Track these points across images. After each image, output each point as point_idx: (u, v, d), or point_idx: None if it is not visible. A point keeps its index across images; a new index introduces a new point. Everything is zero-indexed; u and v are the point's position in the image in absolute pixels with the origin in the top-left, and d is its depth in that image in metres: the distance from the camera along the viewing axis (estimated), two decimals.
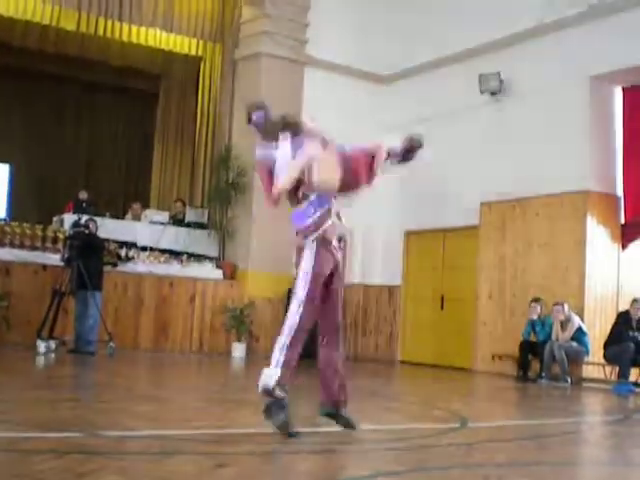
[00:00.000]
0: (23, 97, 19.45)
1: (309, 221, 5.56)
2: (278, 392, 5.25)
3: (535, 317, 12.85)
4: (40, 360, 10.98)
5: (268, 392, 5.26)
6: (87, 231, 12.29)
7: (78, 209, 13.82)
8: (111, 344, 12.07)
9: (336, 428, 5.85)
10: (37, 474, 3.77)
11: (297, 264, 5.58)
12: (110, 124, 20.93)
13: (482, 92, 14.34)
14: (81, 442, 4.82)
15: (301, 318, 5.43)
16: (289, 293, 14.76)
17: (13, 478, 3.69)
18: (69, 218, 13.55)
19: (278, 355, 5.37)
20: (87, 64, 18.25)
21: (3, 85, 19.01)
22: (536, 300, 12.87)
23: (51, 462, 4.04)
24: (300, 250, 5.59)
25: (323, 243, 5.57)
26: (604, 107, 13.27)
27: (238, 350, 14.38)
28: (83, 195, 15.15)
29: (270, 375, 5.29)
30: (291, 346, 5.38)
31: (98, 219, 13.22)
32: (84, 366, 10.80)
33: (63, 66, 18.64)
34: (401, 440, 5.67)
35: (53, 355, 11.54)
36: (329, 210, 5.63)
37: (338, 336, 5.80)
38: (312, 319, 5.55)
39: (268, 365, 5.35)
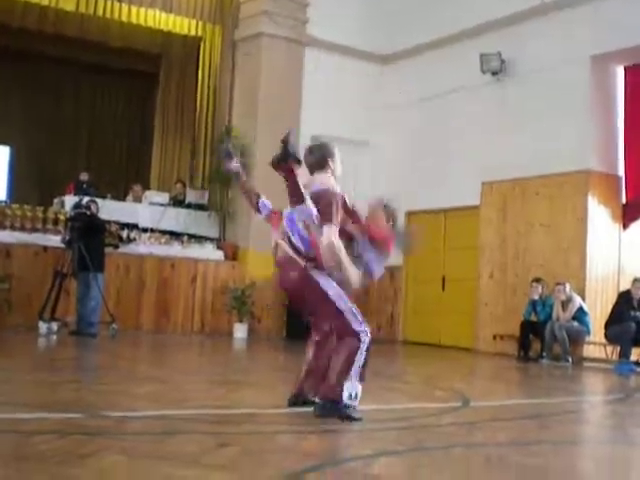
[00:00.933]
0: (22, 79, 19.39)
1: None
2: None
3: (536, 297, 12.86)
4: (42, 342, 11.01)
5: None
6: (88, 212, 12.27)
7: (79, 190, 13.80)
8: (113, 325, 12.08)
9: None
10: (39, 455, 3.78)
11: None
12: (110, 105, 20.88)
13: (483, 72, 14.29)
14: (83, 423, 4.83)
15: None
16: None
17: (16, 459, 3.71)
18: (70, 200, 13.54)
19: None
20: (87, 45, 18.17)
21: (2, 67, 18.93)
22: (537, 280, 12.88)
23: (53, 443, 4.05)
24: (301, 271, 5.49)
25: None
26: (606, 86, 13.23)
27: (240, 331, 14.40)
28: (84, 176, 15.13)
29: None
30: None
31: (99, 200, 13.20)
32: (86, 348, 10.82)
33: (62, 47, 18.57)
34: (403, 420, 5.69)
35: (55, 337, 11.55)
36: None
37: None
38: None
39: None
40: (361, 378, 5.39)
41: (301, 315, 5.82)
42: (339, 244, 5.31)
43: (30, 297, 12.68)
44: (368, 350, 5.42)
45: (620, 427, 6.46)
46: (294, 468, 3.82)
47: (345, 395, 5.28)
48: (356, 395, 5.31)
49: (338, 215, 5.38)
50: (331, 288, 5.44)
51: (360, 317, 5.48)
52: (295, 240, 5.48)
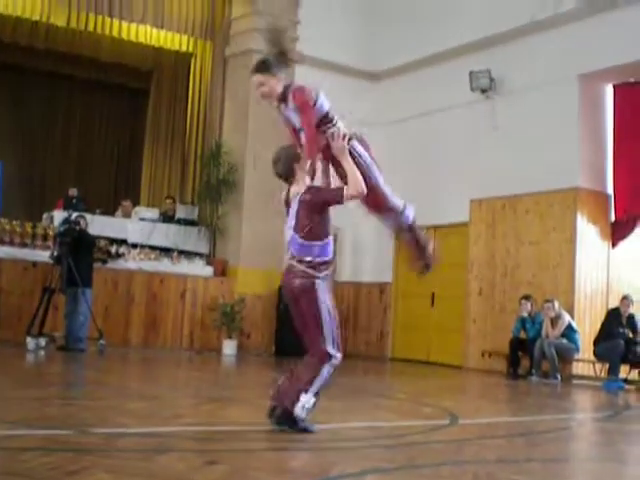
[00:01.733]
0: (13, 93, 19.39)
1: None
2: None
3: (525, 314, 12.88)
4: (30, 357, 10.97)
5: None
6: (77, 228, 12.26)
7: (68, 206, 13.77)
8: (101, 341, 12.05)
9: (326, 426, 5.86)
10: (26, 471, 3.76)
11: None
12: (101, 120, 20.89)
13: (473, 89, 14.36)
14: (71, 440, 4.81)
15: None
16: (279, 290, 14.80)
17: (2, 475, 3.68)
18: (59, 215, 13.52)
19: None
20: (77, 60, 18.24)
21: None
22: (526, 297, 12.90)
23: (40, 459, 4.03)
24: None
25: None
26: (595, 104, 13.30)
27: (229, 347, 14.37)
28: (73, 192, 15.11)
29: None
30: None
31: (88, 216, 13.20)
32: (74, 363, 10.78)
33: (53, 62, 18.63)
34: (391, 437, 5.68)
35: (43, 352, 11.51)
36: None
37: None
38: None
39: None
40: (317, 395, 5.42)
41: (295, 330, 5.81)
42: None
43: (18, 312, 12.67)
44: (332, 373, 5.46)
45: (609, 444, 6.47)
46: None
47: (298, 406, 5.28)
48: (308, 408, 5.32)
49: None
50: (325, 306, 5.46)
51: (337, 343, 5.49)
52: (297, 252, 5.50)
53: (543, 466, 4.93)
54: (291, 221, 5.58)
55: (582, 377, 12.71)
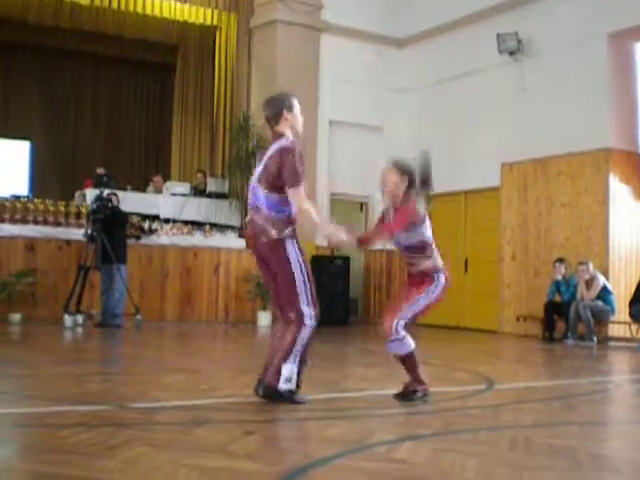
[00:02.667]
0: (41, 74, 19.49)
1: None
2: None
3: (559, 277, 12.80)
4: (67, 334, 11.10)
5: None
6: (110, 205, 12.35)
7: (99, 184, 13.86)
8: (138, 317, 12.17)
9: (362, 394, 5.89)
10: (68, 447, 3.83)
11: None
12: (128, 97, 20.95)
13: (500, 52, 14.20)
14: (110, 415, 4.88)
15: None
16: (313, 260, 14.84)
17: (44, 452, 3.75)
18: (91, 193, 13.61)
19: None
20: (103, 38, 18.28)
21: (21, 62, 19.08)
22: (560, 260, 12.82)
23: (81, 435, 4.10)
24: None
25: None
26: (624, 64, 13.11)
27: (263, 318, 14.43)
28: (100, 170, 15.17)
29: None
30: None
31: (120, 193, 13.27)
32: (112, 339, 10.90)
33: (79, 41, 18.70)
34: (427, 403, 5.69)
35: (80, 329, 11.65)
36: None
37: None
38: None
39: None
40: (303, 361, 5.44)
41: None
42: (308, 205, 5.43)
43: (55, 290, 12.81)
44: (311, 334, 5.46)
45: None
46: (319, 455, 3.85)
47: (282, 379, 5.30)
48: (291, 379, 5.33)
49: (303, 172, 5.39)
50: (297, 264, 5.45)
51: (312, 299, 5.48)
52: (262, 206, 5.47)
53: (580, 429, 4.93)
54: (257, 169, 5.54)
55: (618, 339, 12.64)
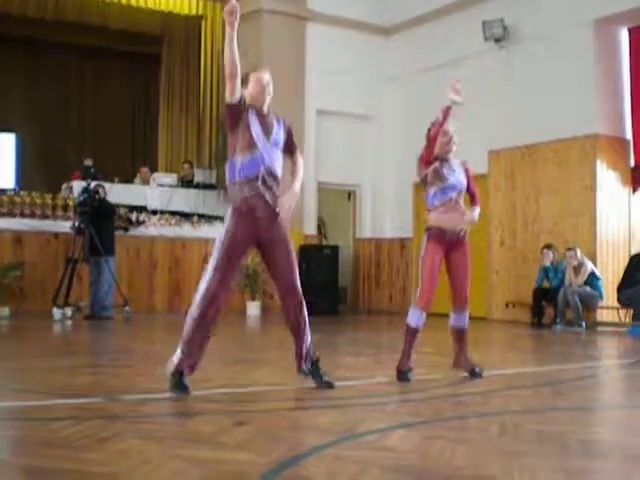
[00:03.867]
0: (25, 66, 19.40)
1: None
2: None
3: (548, 263, 12.84)
4: (57, 327, 11.08)
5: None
6: (97, 197, 12.32)
7: (86, 176, 13.81)
8: (126, 308, 12.16)
9: (352, 382, 5.91)
10: (58, 441, 3.83)
11: None
12: (114, 89, 20.86)
13: (486, 39, 14.21)
14: (101, 407, 4.88)
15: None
16: (301, 249, 14.85)
17: (35, 445, 3.75)
18: (78, 185, 13.57)
19: None
20: (87, 29, 18.21)
21: (5, 55, 18.98)
22: (548, 246, 12.86)
23: (72, 428, 4.10)
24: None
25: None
26: (610, 49, 13.13)
27: (253, 308, 14.45)
28: (88, 162, 15.12)
29: None
30: None
31: (107, 185, 13.24)
32: (101, 331, 10.89)
33: (63, 33, 18.60)
34: (417, 391, 5.72)
35: (69, 322, 11.64)
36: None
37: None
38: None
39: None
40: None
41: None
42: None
43: (43, 283, 12.79)
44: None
45: (636, 391, 6.48)
46: (310, 444, 3.86)
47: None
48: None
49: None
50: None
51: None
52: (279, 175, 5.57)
53: (569, 415, 4.96)
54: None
55: (607, 324, 12.70)
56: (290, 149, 5.66)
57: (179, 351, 5.37)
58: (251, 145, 5.34)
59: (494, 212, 14.36)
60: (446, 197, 6.39)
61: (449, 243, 6.44)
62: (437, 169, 6.42)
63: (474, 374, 6.41)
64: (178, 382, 5.27)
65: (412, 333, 6.46)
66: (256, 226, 5.39)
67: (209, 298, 5.34)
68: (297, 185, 5.60)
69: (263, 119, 5.45)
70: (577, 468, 3.53)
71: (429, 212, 6.45)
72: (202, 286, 5.38)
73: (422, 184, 6.61)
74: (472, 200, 6.71)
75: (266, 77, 5.61)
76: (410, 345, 6.35)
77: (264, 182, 5.37)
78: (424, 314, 6.53)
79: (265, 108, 5.52)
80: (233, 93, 5.30)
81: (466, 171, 6.66)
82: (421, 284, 6.47)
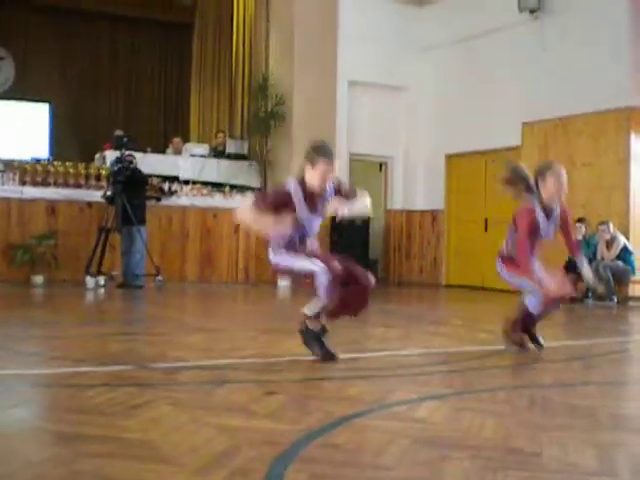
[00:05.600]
0: (59, 36, 19.51)
1: None
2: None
3: (580, 237, 12.74)
4: (90, 296, 11.19)
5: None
6: (131, 167, 12.39)
7: (119, 145, 13.89)
8: (159, 277, 12.26)
9: (383, 353, 5.92)
10: (92, 407, 3.88)
11: None
12: (147, 58, 20.94)
13: (521, 10, 14.05)
14: (133, 375, 4.93)
15: None
16: (332, 220, 14.83)
17: (69, 412, 3.80)
18: (111, 155, 13.65)
19: None
20: None
21: (39, 25, 19.07)
22: (580, 220, 12.75)
23: (105, 395, 4.15)
24: None
25: None
26: None
27: (284, 279, 14.48)
28: (119, 132, 15.21)
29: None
30: None
31: (139, 154, 13.30)
32: (133, 300, 10.99)
33: (96, 2, 18.62)
34: (448, 363, 5.73)
35: (102, 290, 11.75)
36: None
37: None
38: None
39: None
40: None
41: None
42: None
43: (76, 252, 12.90)
44: None
45: None
46: (340, 414, 3.88)
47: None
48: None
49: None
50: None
51: None
52: None
53: (600, 389, 4.94)
54: None
55: (639, 299, 12.61)
56: (346, 196, 5.68)
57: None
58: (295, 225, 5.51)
59: None
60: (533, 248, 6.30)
61: None
62: (537, 222, 6.21)
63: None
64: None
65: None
66: None
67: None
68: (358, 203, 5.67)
69: (311, 197, 5.56)
70: (608, 442, 3.53)
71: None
72: None
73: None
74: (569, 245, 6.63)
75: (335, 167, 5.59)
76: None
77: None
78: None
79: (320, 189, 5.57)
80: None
81: (562, 213, 6.42)
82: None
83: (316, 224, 5.68)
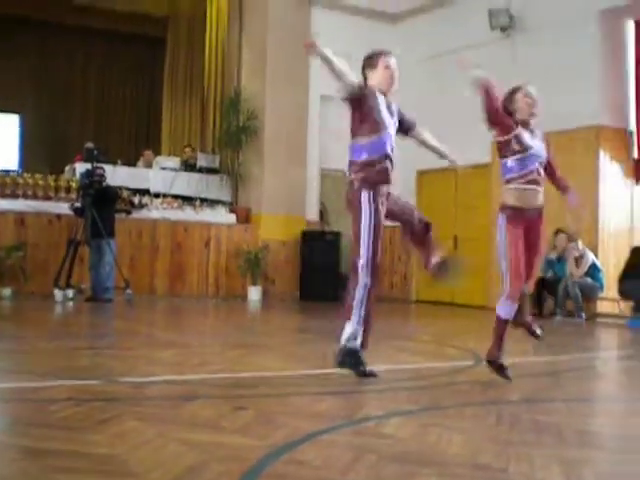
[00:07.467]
0: (31, 47, 19.41)
1: None
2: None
3: (554, 256, 12.80)
4: (58, 309, 11.11)
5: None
6: (103, 180, 12.34)
7: (89, 158, 13.81)
8: (128, 291, 12.18)
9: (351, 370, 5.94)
10: (58, 422, 3.85)
11: None
12: (119, 71, 20.90)
13: (492, 28, 14.18)
14: (101, 389, 4.90)
15: None
16: (303, 235, 14.87)
17: (34, 426, 3.77)
18: (81, 167, 13.58)
19: None
20: (94, 12, 18.18)
21: (12, 36, 18.96)
22: (560, 232, 12.79)
23: (71, 409, 4.12)
24: None
25: None
26: (616, 41, 13.10)
27: (254, 293, 14.48)
28: (89, 145, 15.10)
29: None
30: None
31: (110, 167, 13.26)
32: (102, 314, 10.92)
33: (70, 14, 18.60)
34: (416, 379, 5.74)
35: (71, 304, 11.67)
36: None
37: None
38: None
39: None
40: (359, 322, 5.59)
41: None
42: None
43: (45, 265, 12.81)
44: (366, 297, 5.64)
45: (633, 383, 6.50)
46: (308, 430, 3.88)
47: (343, 337, 5.53)
48: (354, 337, 5.52)
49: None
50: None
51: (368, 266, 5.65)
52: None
53: (566, 406, 4.97)
54: None
55: (606, 315, 12.71)
56: (409, 126, 6.42)
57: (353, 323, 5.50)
58: (378, 128, 5.87)
59: (496, 202, 14.31)
60: (525, 169, 5.86)
61: (528, 221, 5.95)
62: (518, 135, 5.90)
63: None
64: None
65: (505, 326, 5.98)
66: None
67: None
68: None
69: (388, 103, 5.96)
70: (573, 458, 3.55)
71: (505, 186, 6.00)
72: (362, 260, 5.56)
73: (498, 152, 6.11)
74: (553, 176, 6.27)
75: (394, 62, 6.16)
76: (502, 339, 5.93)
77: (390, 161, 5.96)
78: (515, 305, 5.86)
79: (390, 93, 5.99)
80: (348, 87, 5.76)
81: (546, 141, 6.14)
82: (511, 273, 5.79)
83: (393, 135, 5.99)
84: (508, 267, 5.73)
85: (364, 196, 5.69)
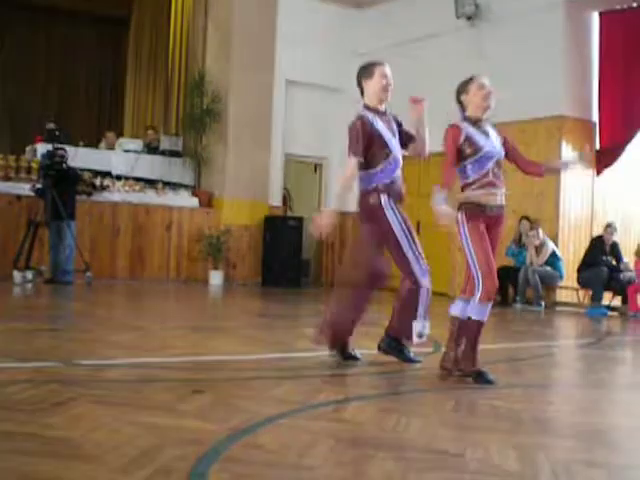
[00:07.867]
0: None
1: None
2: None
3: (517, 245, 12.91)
4: (17, 291, 10.99)
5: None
6: (62, 160, 12.19)
7: (51, 139, 13.63)
8: (88, 273, 12.07)
9: (311, 354, 5.93)
10: (14, 404, 3.81)
11: None
12: (82, 52, 20.63)
13: (458, 17, 14.19)
14: (58, 371, 4.86)
15: None
16: (265, 220, 14.83)
17: None
18: (42, 148, 13.41)
19: None
20: None
21: None
22: (526, 218, 12.89)
23: (28, 392, 4.08)
24: None
25: None
26: (580, 32, 13.18)
27: (215, 277, 14.42)
28: (51, 126, 14.91)
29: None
30: None
31: (72, 148, 13.10)
32: (61, 296, 10.82)
33: None
34: (375, 365, 5.76)
35: (30, 285, 11.54)
36: None
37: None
38: None
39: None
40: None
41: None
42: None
43: (4, 246, 12.64)
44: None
45: (591, 371, 6.57)
46: (266, 414, 3.87)
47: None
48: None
49: (358, 144, 5.88)
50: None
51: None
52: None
53: (524, 392, 5.02)
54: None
55: (566, 304, 12.85)
56: (409, 138, 6.43)
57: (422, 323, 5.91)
58: (386, 155, 6.00)
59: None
60: (483, 169, 5.67)
61: (488, 219, 5.73)
62: (469, 136, 5.63)
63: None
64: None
65: (479, 328, 5.52)
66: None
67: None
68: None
69: (386, 120, 6.07)
70: (529, 444, 3.58)
71: (463, 189, 5.82)
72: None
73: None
74: (525, 165, 6.13)
75: (389, 72, 6.20)
76: (476, 343, 5.50)
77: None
78: (490, 304, 5.44)
79: (384, 106, 6.06)
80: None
81: (502, 135, 5.82)
82: (482, 271, 5.43)
83: (399, 147, 6.12)
84: (477, 266, 5.46)
85: (384, 200, 6.11)
